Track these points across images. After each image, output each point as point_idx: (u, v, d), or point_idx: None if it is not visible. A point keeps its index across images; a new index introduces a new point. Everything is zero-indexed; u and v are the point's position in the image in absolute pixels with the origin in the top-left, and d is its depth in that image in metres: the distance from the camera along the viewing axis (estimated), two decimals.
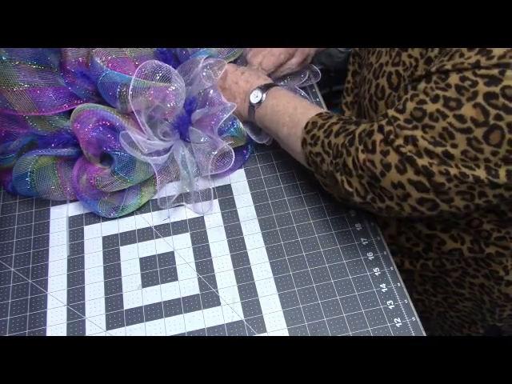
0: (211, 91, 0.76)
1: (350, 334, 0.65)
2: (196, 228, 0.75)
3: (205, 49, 0.77)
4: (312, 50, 0.84)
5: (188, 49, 0.78)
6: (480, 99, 0.51)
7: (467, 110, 0.52)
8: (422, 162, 0.54)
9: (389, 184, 0.57)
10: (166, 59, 0.77)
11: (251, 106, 0.74)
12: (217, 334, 0.65)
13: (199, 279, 0.70)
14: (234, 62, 0.82)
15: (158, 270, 0.71)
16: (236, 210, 0.76)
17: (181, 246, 0.73)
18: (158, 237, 0.74)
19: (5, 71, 0.68)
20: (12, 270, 0.71)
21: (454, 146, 0.53)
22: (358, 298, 0.68)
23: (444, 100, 0.53)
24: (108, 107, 0.72)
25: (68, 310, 0.67)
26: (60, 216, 0.76)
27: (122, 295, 0.69)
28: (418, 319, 0.66)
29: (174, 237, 0.74)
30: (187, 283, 0.70)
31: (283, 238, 0.73)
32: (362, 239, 0.73)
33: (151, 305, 0.68)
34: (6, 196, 0.79)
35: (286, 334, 0.65)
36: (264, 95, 0.73)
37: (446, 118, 0.53)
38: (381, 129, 0.57)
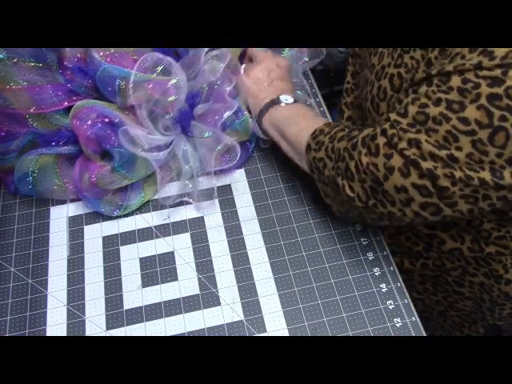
0: (216, 86, 0.76)
1: (350, 333, 0.65)
2: (196, 228, 0.75)
3: None
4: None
5: None
6: (483, 101, 0.51)
7: (471, 112, 0.51)
8: (427, 165, 0.54)
9: (392, 188, 0.56)
10: (165, 53, 0.76)
11: (270, 104, 0.74)
12: (217, 334, 0.65)
13: (199, 279, 0.70)
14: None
15: (158, 270, 0.71)
16: (236, 210, 0.76)
17: (181, 246, 0.73)
18: (158, 237, 0.74)
19: (3, 69, 0.68)
20: (12, 269, 0.71)
21: (459, 148, 0.53)
22: (358, 298, 0.68)
23: (447, 103, 0.53)
24: (107, 103, 0.72)
25: (68, 310, 0.67)
26: (60, 216, 0.76)
27: (122, 295, 0.69)
28: (418, 319, 0.66)
29: (174, 237, 0.74)
30: (187, 283, 0.70)
31: (283, 238, 0.73)
32: (362, 239, 0.73)
33: (151, 305, 0.68)
34: (6, 196, 0.79)
35: (286, 333, 0.65)
36: (293, 99, 0.74)
37: (449, 120, 0.52)
38: (384, 132, 0.57)
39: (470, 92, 0.51)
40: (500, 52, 0.50)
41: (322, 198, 0.70)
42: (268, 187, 0.79)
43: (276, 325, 0.66)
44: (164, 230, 0.75)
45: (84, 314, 0.67)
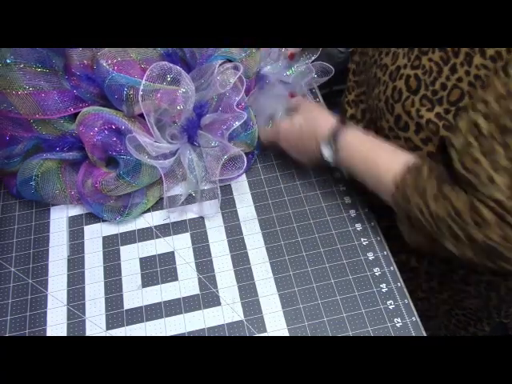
0: (225, 97, 0.75)
1: (350, 333, 0.65)
2: (196, 228, 0.75)
3: (220, 52, 0.75)
4: None
5: (195, 51, 0.76)
6: None
7: None
8: None
9: None
10: (173, 62, 0.76)
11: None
12: (217, 334, 0.65)
13: (199, 279, 0.70)
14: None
15: (158, 269, 0.71)
16: (236, 210, 0.76)
17: (181, 245, 0.73)
18: (158, 237, 0.74)
19: (9, 74, 0.67)
20: (12, 269, 0.71)
21: None
22: (358, 298, 0.68)
23: None
24: (114, 110, 0.72)
25: (68, 310, 0.67)
26: (60, 216, 0.76)
27: (122, 295, 0.69)
28: (418, 319, 0.66)
29: (174, 237, 0.74)
30: (187, 283, 0.70)
31: (283, 238, 0.73)
32: (362, 239, 0.73)
33: (151, 305, 0.68)
34: (6, 196, 0.79)
35: (286, 333, 0.65)
36: (333, 151, 0.69)
37: None
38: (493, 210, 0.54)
39: None
40: None
41: (322, 198, 0.70)
42: (268, 187, 0.79)
43: (276, 325, 0.66)
44: (164, 230, 0.75)
45: (84, 314, 0.67)
